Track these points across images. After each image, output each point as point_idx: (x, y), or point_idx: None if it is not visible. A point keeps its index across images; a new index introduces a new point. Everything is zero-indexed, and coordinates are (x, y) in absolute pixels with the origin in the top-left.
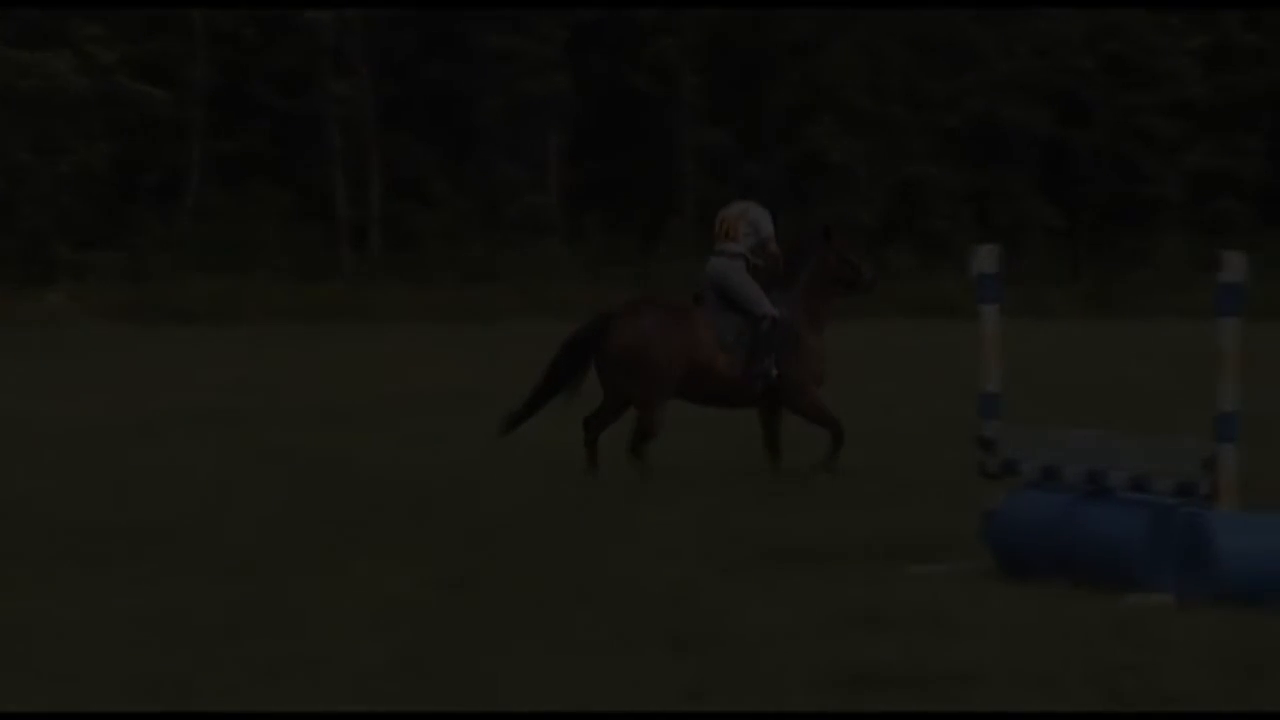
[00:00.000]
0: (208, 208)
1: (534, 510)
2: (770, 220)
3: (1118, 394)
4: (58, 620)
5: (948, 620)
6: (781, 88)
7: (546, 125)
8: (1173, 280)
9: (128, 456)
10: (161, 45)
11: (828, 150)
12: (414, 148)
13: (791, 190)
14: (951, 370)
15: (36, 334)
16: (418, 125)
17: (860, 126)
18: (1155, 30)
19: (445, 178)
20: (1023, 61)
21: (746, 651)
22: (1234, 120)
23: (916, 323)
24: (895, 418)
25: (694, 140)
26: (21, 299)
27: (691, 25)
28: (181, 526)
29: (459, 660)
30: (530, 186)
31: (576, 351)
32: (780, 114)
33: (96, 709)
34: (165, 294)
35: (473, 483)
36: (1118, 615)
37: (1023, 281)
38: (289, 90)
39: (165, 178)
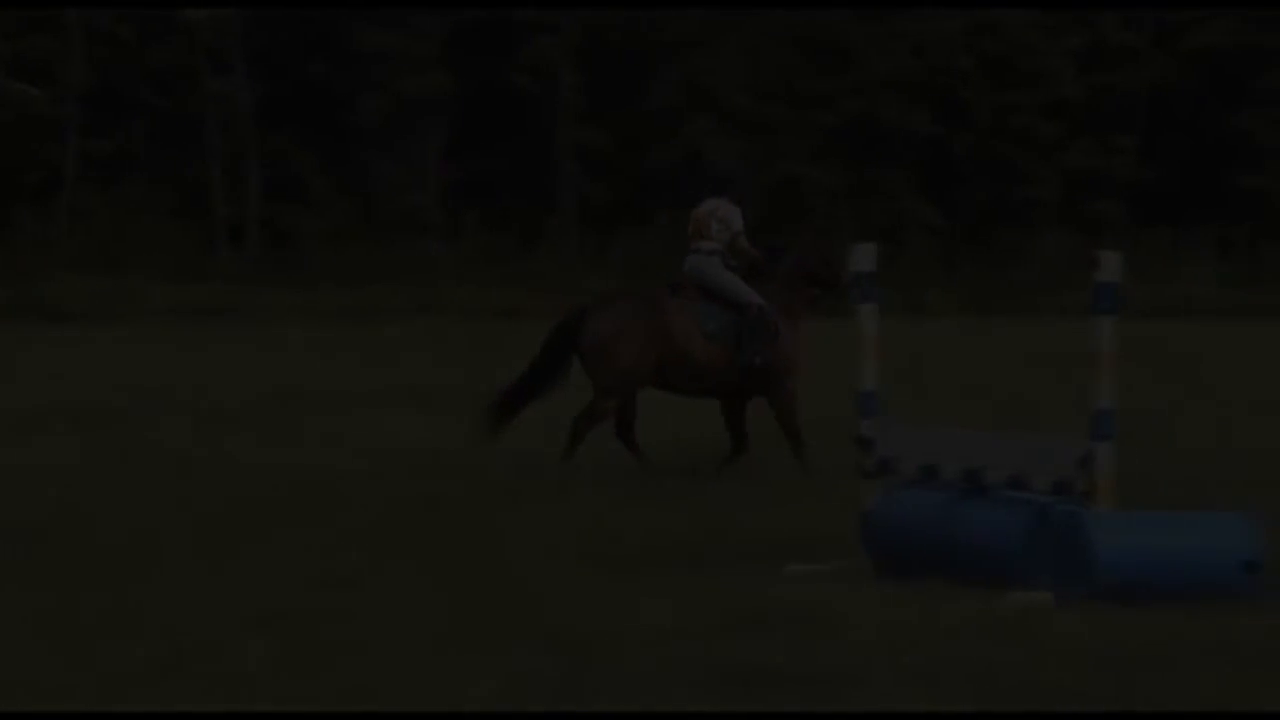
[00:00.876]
0: (84, 207)
1: (414, 509)
2: (740, 217)
3: (995, 393)
4: None
5: (828, 619)
6: (660, 87)
7: (426, 124)
8: (1050, 279)
9: (0, 456)
10: (37, 43)
11: (706, 149)
12: (293, 147)
13: (671, 190)
14: (829, 369)
15: None
16: (296, 124)
17: (739, 126)
18: (1032, 30)
19: (324, 177)
20: (901, 61)
21: (628, 650)
22: (1109, 120)
23: None
24: (773, 417)
25: (573, 139)
26: None
27: (570, 24)
28: (54, 526)
29: (337, 660)
30: (409, 185)
31: (556, 345)
32: (659, 113)
33: None
34: (41, 294)
35: (352, 482)
36: (996, 614)
37: (901, 281)
38: (167, 89)
39: (41, 177)
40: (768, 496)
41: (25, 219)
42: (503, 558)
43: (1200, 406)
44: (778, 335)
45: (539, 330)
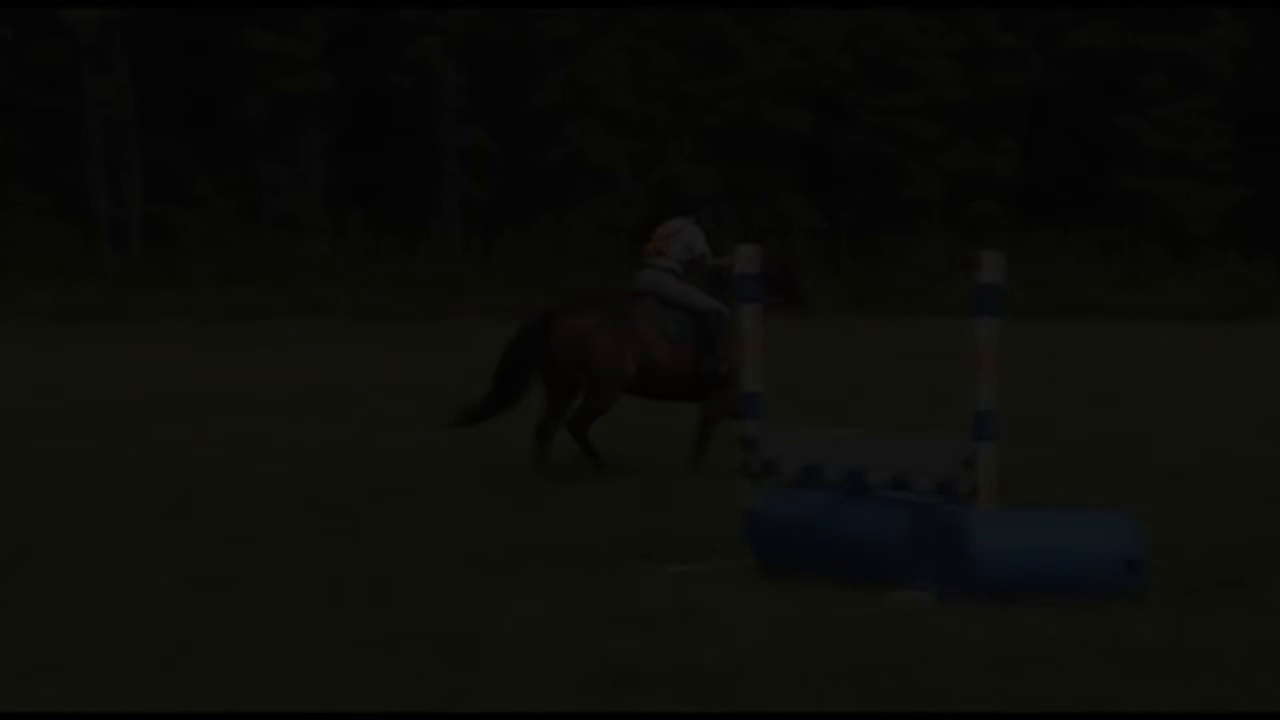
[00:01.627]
0: None
1: (293, 511)
2: (704, 240)
3: (878, 393)
4: None
5: (710, 619)
6: (544, 88)
7: (308, 125)
8: (932, 280)
9: None
10: None
11: (589, 150)
12: (175, 147)
13: (553, 191)
14: None
15: None
16: (179, 124)
17: (621, 126)
18: (914, 31)
19: (207, 177)
20: (783, 62)
21: (510, 651)
22: (991, 121)
23: None
24: (656, 418)
25: (455, 140)
26: None
27: (453, 25)
28: None
29: (217, 660)
30: (292, 186)
31: (523, 350)
32: (541, 114)
33: None
34: None
35: (233, 483)
36: (878, 613)
37: None
38: (47, 89)
39: None
40: (651, 497)
41: None
42: (386, 559)
43: (1082, 407)
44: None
45: (420, 331)
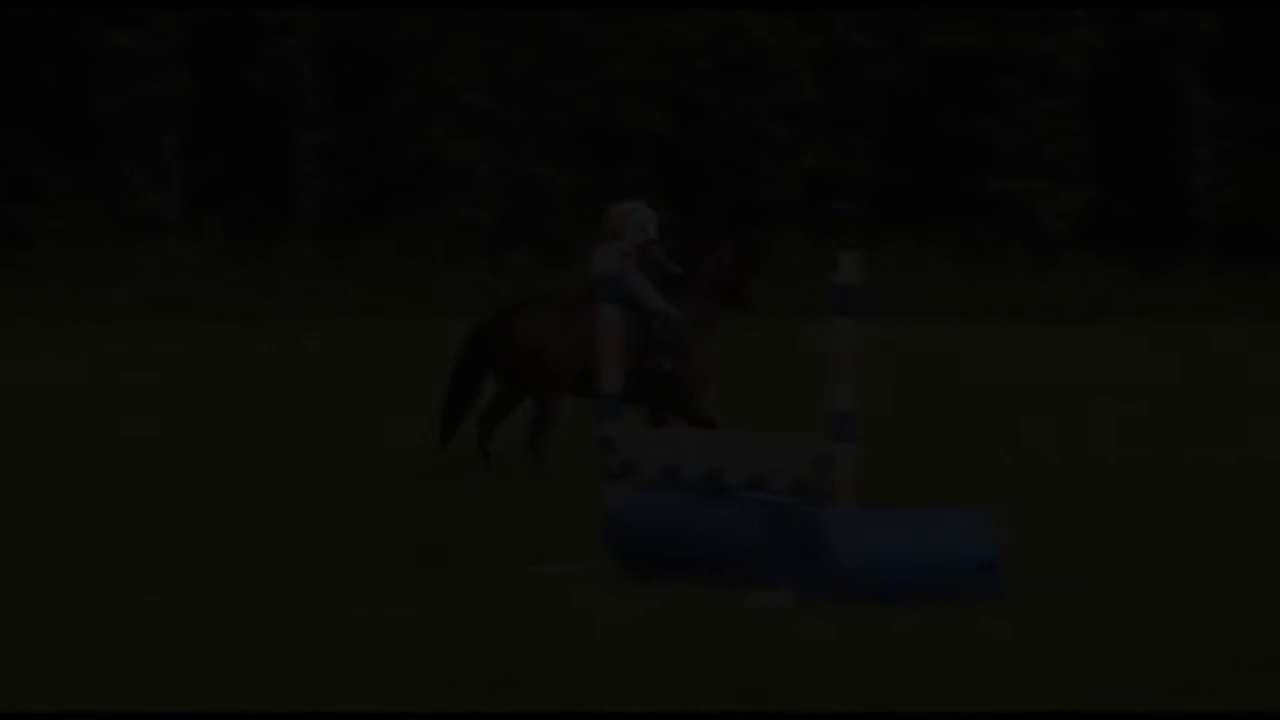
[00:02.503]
0: None
1: (157, 512)
2: (655, 224)
3: (737, 393)
4: None
5: (572, 620)
6: (401, 88)
7: (165, 125)
8: (790, 281)
9: None
10: None
11: (447, 150)
12: (29, 147)
13: (411, 191)
14: None
15: None
16: (33, 124)
17: (479, 127)
18: (770, 32)
19: (61, 177)
20: (640, 63)
21: (373, 652)
22: (847, 121)
23: None
24: (519, 419)
25: (313, 140)
26: None
27: (311, 25)
28: None
29: (82, 663)
30: (149, 186)
31: (477, 348)
32: (399, 114)
33: None
34: None
35: (92, 486)
36: (739, 614)
37: None
38: None
39: None
40: (511, 498)
41: None
42: (251, 560)
43: (939, 407)
44: (687, 346)
45: (277, 331)
